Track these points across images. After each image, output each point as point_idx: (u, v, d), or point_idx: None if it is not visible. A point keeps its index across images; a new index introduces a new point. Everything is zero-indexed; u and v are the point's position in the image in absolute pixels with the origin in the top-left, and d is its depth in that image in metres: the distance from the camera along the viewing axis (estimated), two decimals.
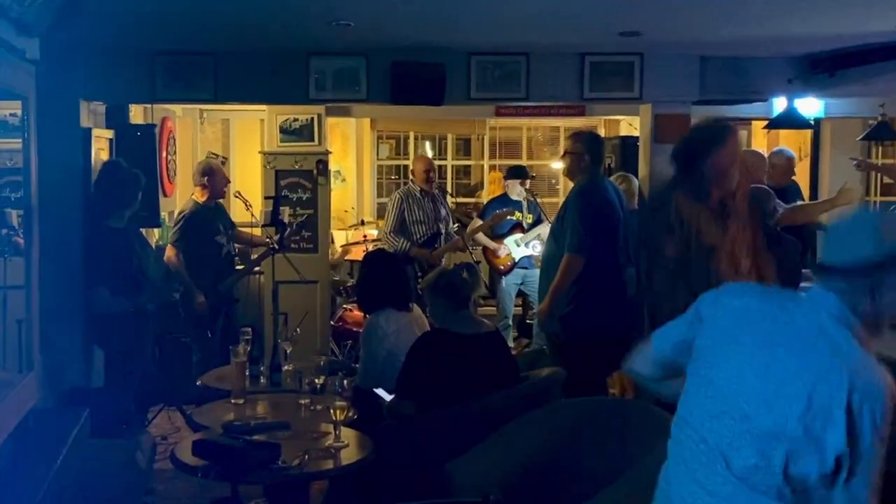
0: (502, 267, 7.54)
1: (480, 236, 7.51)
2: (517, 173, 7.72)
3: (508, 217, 7.48)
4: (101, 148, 5.65)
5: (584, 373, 4.79)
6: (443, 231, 6.93)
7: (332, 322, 6.93)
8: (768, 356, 1.97)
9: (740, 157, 4.20)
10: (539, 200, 7.82)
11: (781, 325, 1.99)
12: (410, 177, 7.10)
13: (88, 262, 5.17)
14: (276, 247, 5.71)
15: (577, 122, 9.73)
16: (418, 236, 6.79)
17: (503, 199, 7.73)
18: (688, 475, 2.06)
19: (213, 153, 9.27)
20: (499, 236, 7.54)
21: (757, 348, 1.99)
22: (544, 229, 7.34)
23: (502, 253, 7.52)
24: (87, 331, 5.28)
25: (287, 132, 6.66)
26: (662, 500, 2.16)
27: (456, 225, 7.39)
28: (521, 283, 7.61)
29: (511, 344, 7.29)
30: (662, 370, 2.32)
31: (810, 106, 6.95)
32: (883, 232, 1.94)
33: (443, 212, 7.00)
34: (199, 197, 6.16)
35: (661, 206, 4.23)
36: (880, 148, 9.09)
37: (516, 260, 7.51)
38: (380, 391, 4.16)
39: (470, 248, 7.27)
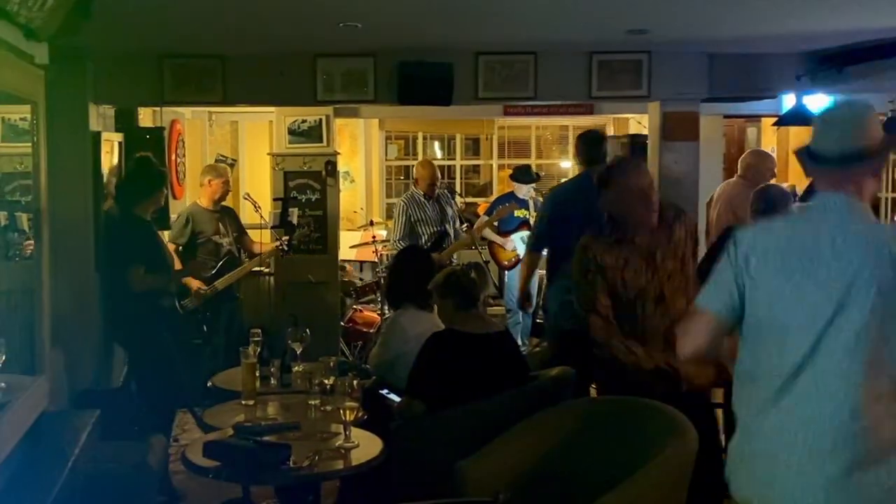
0: (506, 262, 7.58)
1: (487, 231, 7.53)
2: (521, 177, 7.67)
3: (514, 213, 7.48)
4: (107, 151, 5.67)
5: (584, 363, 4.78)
6: (450, 231, 6.93)
7: (342, 323, 6.94)
8: None
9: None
10: None
11: None
12: (413, 183, 7.08)
13: (119, 246, 5.13)
14: (286, 248, 5.71)
15: (586, 121, 9.72)
16: (426, 237, 6.79)
17: (510, 197, 7.74)
18: None
19: (222, 155, 9.29)
20: (506, 232, 7.56)
21: None
22: None
23: (508, 247, 7.54)
24: (110, 330, 5.31)
25: (295, 133, 6.66)
26: None
27: (464, 225, 7.38)
28: None
29: (522, 342, 7.28)
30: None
31: (819, 102, 6.91)
32: None
33: (449, 212, 7.01)
34: (200, 199, 6.33)
35: None
36: None
37: (520, 256, 7.52)
38: (386, 392, 4.17)
39: (478, 247, 7.27)
